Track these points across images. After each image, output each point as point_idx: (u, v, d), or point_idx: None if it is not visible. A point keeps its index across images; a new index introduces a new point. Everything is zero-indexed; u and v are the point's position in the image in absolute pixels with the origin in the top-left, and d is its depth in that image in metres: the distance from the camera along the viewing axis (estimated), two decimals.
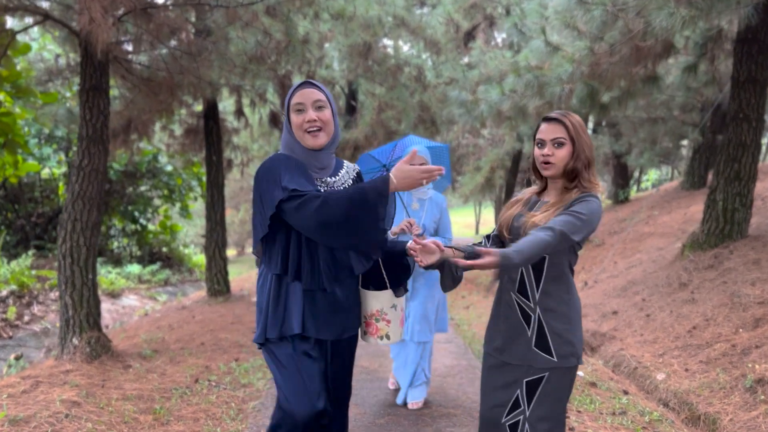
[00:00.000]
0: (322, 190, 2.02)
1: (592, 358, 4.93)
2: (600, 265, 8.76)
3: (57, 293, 8.54)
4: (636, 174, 21.65)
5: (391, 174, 1.89)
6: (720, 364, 3.96)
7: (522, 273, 2.02)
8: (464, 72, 9.29)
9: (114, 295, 10.61)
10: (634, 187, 21.48)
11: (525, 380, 2.02)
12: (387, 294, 2.16)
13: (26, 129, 11.82)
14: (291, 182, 1.91)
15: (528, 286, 2.01)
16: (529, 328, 2.01)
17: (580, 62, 5.98)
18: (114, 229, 15.01)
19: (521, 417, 2.04)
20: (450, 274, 2.06)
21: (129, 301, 10.75)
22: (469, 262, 1.70)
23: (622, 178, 15.24)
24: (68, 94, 9.44)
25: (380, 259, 2.16)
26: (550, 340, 1.98)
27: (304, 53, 7.11)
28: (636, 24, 5.37)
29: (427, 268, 2.04)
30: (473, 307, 7.82)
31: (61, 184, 13.21)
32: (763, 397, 3.37)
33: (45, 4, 5.47)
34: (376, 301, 2.16)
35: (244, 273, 16.49)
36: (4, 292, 8.67)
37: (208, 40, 5.74)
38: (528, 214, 2.03)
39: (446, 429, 3.37)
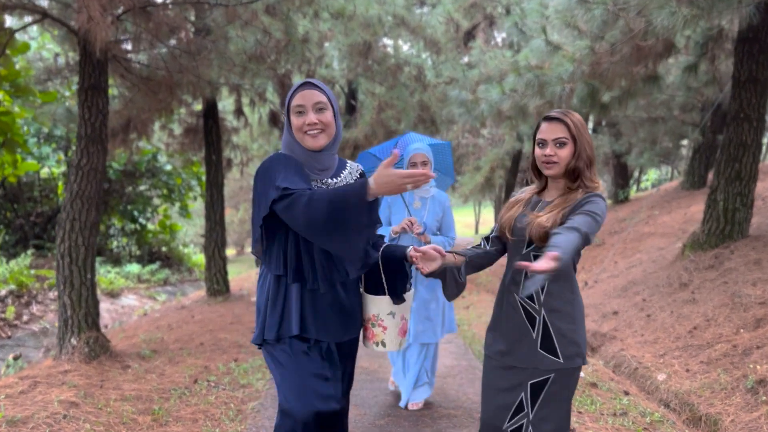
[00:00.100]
0: None
1: (592, 358, 4.91)
2: (600, 265, 8.75)
3: (56, 293, 8.52)
4: (636, 174, 21.64)
5: (370, 179, 1.76)
6: (721, 364, 3.95)
7: (525, 275, 1.99)
8: (464, 71, 9.26)
9: (113, 294, 10.60)
10: (634, 187, 21.48)
11: (530, 382, 1.98)
12: (384, 300, 2.10)
13: (25, 128, 11.81)
14: (284, 181, 1.85)
15: None
16: (533, 330, 1.98)
17: (581, 61, 5.97)
18: (113, 229, 15.00)
19: (524, 420, 2.00)
20: (453, 281, 2.02)
21: (128, 301, 10.74)
22: (534, 266, 1.51)
23: (622, 177, 15.22)
24: (67, 93, 9.41)
25: (381, 263, 2.12)
26: (555, 341, 1.94)
27: (304, 52, 7.09)
28: (637, 23, 5.36)
29: (429, 275, 2.00)
30: (473, 307, 7.80)
31: (60, 183, 13.19)
32: (764, 398, 3.36)
33: (44, 3, 5.46)
34: (374, 305, 2.11)
35: (244, 273, 16.48)
36: (3, 292, 8.66)
37: (207, 39, 5.72)
38: (532, 215, 1.99)
39: (446, 430, 3.36)
